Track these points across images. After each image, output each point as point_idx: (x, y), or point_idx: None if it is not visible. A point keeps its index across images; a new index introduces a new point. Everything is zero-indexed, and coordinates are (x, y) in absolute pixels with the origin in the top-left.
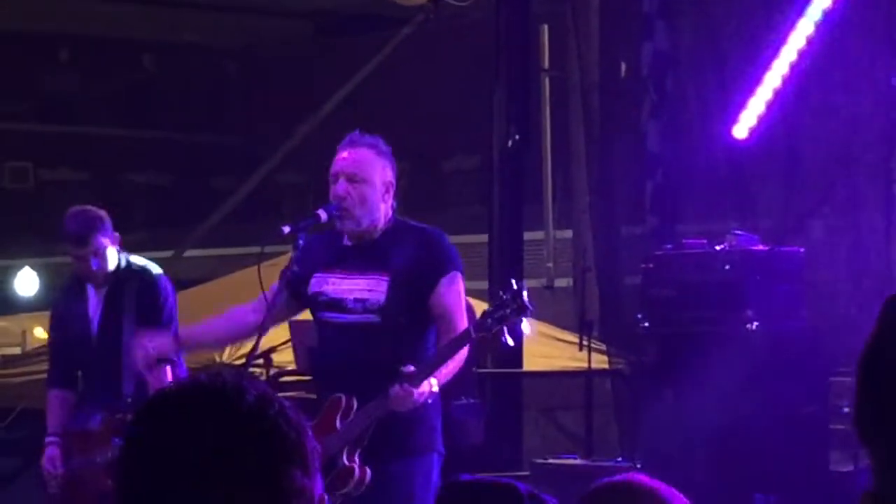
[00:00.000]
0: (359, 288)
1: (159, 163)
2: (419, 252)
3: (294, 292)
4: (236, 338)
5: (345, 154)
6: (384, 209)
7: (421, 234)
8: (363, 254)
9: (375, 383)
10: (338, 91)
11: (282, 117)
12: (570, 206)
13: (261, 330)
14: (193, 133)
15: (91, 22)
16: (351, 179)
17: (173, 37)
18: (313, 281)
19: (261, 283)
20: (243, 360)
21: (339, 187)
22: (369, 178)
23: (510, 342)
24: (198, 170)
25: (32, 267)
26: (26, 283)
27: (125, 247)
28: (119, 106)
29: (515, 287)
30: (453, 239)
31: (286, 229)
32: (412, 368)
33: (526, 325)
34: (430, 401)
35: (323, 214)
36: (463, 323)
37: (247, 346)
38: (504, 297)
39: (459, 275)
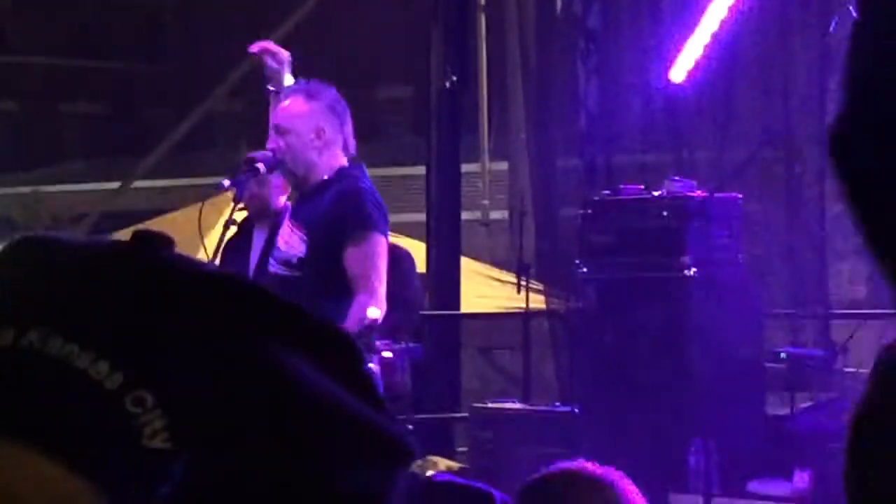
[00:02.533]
0: (284, 240)
1: (94, 92)
2: (333, 208)
3: None
4: None
5: (278, 105)
6: (318, 157)
7: (339, 189)
8: (301, 204)
9: None
10: (279, 26)
11: (220, 46)
12: (506, 139)
13: None
14: (129, 62)
15: None
16: (278, 131)
17: None
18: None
19: (201, 234)
20: None
21: (270, 140)
22: (294, 128)
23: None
24: (133, 100)
25: None
26: None
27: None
28: (52, 33)
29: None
30: (387, 171)
31: (226, 183)
32: None
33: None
34: None
35: (261, 167)
36: (375, 285)
37: None
38: None
39: (376, 234)
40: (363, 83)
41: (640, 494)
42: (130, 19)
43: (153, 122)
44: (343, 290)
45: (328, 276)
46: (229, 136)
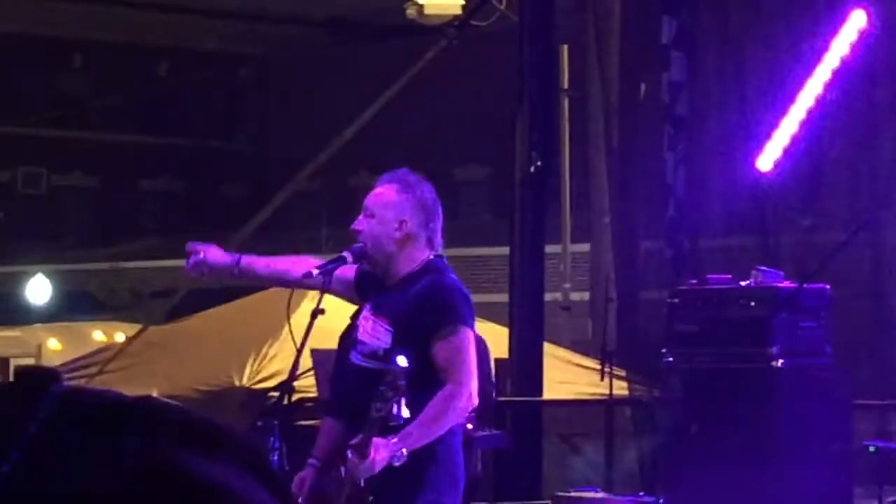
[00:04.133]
0: (368, 331)
1: (172, 169)
2: (422, 303)
3: (359, 284)
4: (290, 282)
5: (374, 189)
6: (398, 248)
7: (426, 284)
8: (384, 296)
9: (375, 432)
10: (364, 111)
11: (296, 125)
12: (588, 220)
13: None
14: (207, 140)
15: (106, 27)
16: (365, 212)
17: (188, 43)
18: (363, 309)
19: (288, 316)
20: (262, 383)
21: (358, 221)
22: (379, 214)
23: (405, 414)
24: (210, 177)
25: (45, 274)
26: (38, 290)
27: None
28: (132, 112)
29: (397, 368)
30: (466, 251)
31: (315, 272)
32: (359, 437)
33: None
34: (396, 463)
35: (349, 256)
36: (462, 377)
37: (266, 370)
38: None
39: (463, 328)
40: (442, 164)
41: None
42: (208, 98)
43: (229, 198)
44: (429, 381)
45: (416, 368)
46: (309, 215)
